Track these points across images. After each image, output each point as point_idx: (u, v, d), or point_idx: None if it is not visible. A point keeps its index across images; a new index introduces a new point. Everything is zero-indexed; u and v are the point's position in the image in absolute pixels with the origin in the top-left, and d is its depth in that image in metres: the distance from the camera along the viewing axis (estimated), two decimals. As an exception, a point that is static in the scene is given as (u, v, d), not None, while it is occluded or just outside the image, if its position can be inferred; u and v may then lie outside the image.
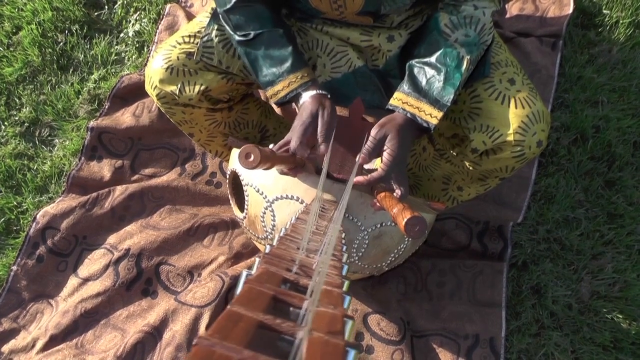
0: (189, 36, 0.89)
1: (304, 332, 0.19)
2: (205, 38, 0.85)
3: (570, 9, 1.30)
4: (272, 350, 0.20)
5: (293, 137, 0.71)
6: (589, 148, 1.23)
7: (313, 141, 0.73)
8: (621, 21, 1.32)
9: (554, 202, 1.19)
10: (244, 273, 0.29)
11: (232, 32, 0.80)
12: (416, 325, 1.06)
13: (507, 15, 1.34)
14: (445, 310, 1.07)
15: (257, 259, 0.32)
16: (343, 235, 0.76)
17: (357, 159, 0.72)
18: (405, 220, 0.56)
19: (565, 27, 1.29)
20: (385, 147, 0.70)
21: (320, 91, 0.75)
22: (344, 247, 0.49)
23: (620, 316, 1.11)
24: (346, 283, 0.32)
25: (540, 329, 1.10)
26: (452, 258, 1.15)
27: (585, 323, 1.10)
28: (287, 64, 0.77)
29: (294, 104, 0.80)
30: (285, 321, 0.21)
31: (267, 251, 0.34)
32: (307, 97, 0.75)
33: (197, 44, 0.86)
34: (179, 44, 0.88)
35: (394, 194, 0.73)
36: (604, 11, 1.33)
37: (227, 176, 0.95)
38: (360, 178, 0.71)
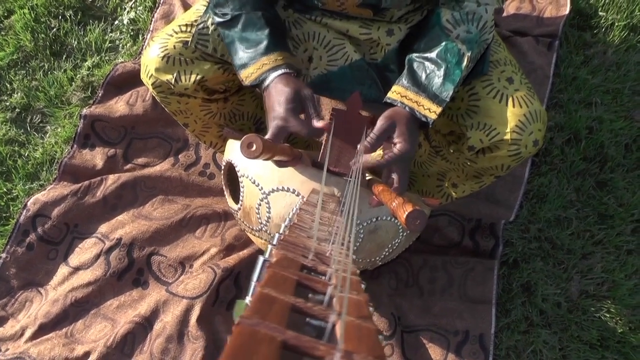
0: (186, 25, 0.88)
1: (342, 316, 0.19)
2: (201, 26, 0.85)
3: (566, 10, 1.31)
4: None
5: (294, 127, 0.70)
6: (582, 149, 1.24)
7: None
8: (616, 23, 1.33)
9: (546, 202, 1.20)
10: (261, 259, 0.29)
11: (213, 13, 0.80)
12: (407, 320, 1.07)
13: (504, 14, 1.34)
14: (436, 306, 1.08)
15: (270, 246, 0.32)
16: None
17: (358, 148, 0.72)
18: (407, 213, 0.56)
19: (561, 28, 1.30)
20: (394, 141, 0.70)
21: (287, 70, 0.74)
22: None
23: (608, 315, 1.12)
24: (358, 272, 0.33)
25: (530, 327, 1.11)
26: (444, 254, 1.16)
27: (573, 321, 1.12)
28: (262, 46, 0.76)
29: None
30: (316, 304, 0.21)
31: (279, 238, 0.34)
32: (274, 76, 0.74)
33: (193, 32, 0.86)
34: (176, 32, 0.88)
35: (392, 187, 0.73)
36: (600, 13, 1.34)
37: (222, 167, 0.94)
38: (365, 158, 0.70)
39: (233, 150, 0.88)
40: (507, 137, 0.79)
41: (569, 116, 1.26)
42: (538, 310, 1.12)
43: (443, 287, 1.11)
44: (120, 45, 1.40)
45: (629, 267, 1.15)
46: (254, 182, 0.84)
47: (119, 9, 1.44)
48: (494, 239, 1.16)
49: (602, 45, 1.32)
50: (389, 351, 1.03)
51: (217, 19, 0.79)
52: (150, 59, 0.87)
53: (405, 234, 0.89)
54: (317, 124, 0.71)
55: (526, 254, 1.16)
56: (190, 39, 0.86)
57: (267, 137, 0.73)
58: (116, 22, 1.43)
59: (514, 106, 0.79)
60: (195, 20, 0.88)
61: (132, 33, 1.40)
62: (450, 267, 1.13)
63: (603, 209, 1.20)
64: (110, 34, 1.41)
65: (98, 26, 1.41)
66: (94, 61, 1.35)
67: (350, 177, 0.77)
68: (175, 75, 0.86)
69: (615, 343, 1.10)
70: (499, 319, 1.10)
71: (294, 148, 0.78)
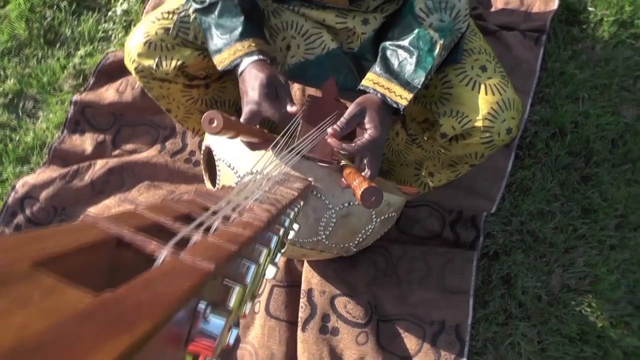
0: (168, 12, 0.90)
1: (196, 236, 0.19)
2: (183, 14, 0.87)
3: (555, 5, 1.31)
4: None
5: (267, 111, 0.72)
6: (567, 143, 1.24)
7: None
8: (605, 19, 1.32)
9: (529, 195, 1.20)
10: None
11: (192, 0, 0.82)
12: (383, 309, 1.08)
13: (492, 9, 1.35)
14: (413, 296, 1.09)
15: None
16: (301, 209, 0.77)
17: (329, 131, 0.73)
18: (362, 190, 0.57)
19: (549, 23, 1.29)
20: (365, 127, 0.71)
21: (261, 57, 0.76)
22: (296, 210, 0.49)
23: (588, 309, 1.12)
24: (284, 245, 0.33)
25: (508, 319, 1.11)
26: (423, 245, 1.16)
27: (553, 315, 1.11)
28: (236, 33, 0.78)
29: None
30: (185, 225, 0.21)
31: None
32: (248, 62, 0.76)
33: (175, 20, 0.88)
34: (158, 19, 0.90)
35: (363, 173, 0.74)
36: (589, 8, 1.34)
37: (202, 152, 0.96)
38: (333, 142, 0.71)
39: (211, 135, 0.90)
40: (479, 124, 0.79)
41: (554, 110, 1.26)
42: (517, 302, 1.12)
43: (421, 277, 1.12)
44: (113, 35, 1.43)
45: (611, 261, 1.15)
46: (229, 166, 0.85)
47: (112, 1, 1.46)
48: (475, 231, 1.16)
49: (590, 40, 1.32)
50: (363, 339, 1.04)
51: (195, 5, 0.81)
52: (133, 44, 0.89)
53: (378, 220, 0.90)
54: (291, 109, 0.72)
55: (507, 246, 1.16)
56: (171, 26, 0.88)
57: (240, 121, 0.75)
58: (109, 13, 1.45)
59: (486, 94, 0.80)
60: (177, 8, 0.90)
61: (124, 24, 1.42)
62: (430, 258, 1.13)
63: (587, 204, 1.20)
64: (104, 25, 1.43)
65: (92, 17, 1.44)
66: (86, 50, 1.38)
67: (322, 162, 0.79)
68: (156, 60, 0.88)
69: (595, 337, 1.10)
70: (477, 310, 1.10)
71: (266, 132, 0.79)
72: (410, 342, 1.04)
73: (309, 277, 1.09)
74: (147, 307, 0.12)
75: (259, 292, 1.16)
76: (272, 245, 0.32)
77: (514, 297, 1.12)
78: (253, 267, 0.24)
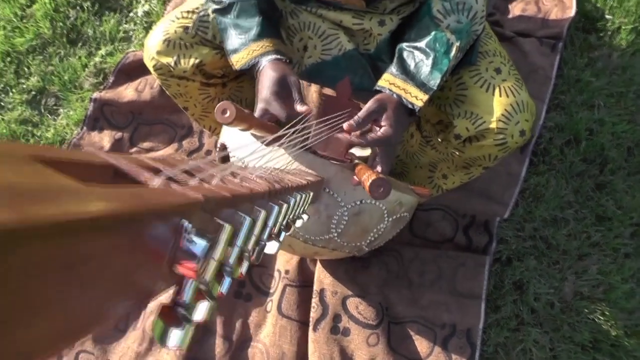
0: (188, 12, 0.92)
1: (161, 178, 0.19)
2: (202, 13, 0.89)
3: (572, 12, 1.31)
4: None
5: (275, 110, 0.73)
6: (582, 150, 1.23)
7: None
8: (623, 27, 1.32)
9: (542, 201, 1.20)
10: None
11: (210, 0, 0.83)
12: (394, 311, 1.08)
13: (509, 15, 1.35)
14: (424, 298, 1.08)
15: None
16: (310, 198, 0.78)
17: (344, 126, 0.73)
18: (370, 181, 0.58)
19: (566, 30, 1.29)
20: (381, 124, 0.72)
21: (278, 56, 0.77)
22: (304, 196, 0.49)
23: (602, 318, 1.11)
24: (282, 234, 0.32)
25: (520, 325, 1.10)
26: (436, 249, 1.16)
27: (566, 322, 1.10)
28: (253, 33, 0.80)
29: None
30: (183, 175, 0.21)
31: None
32: (265, 62, 0.77)
33: (194, 19, 0.90)
34: (178, 18, 0.92)
35: (375, 170, 0.74)
36: (607, 16, 1.34)
37: (217, 149, 0.98)
38: (348, 128, 0.71)
39: (226, 132, 0.92)
40: (493, 125, 0.80)
41: (570, 117, 1.26)
42: (529, 308, 1.11)
43: (433, 280, 1.11)
44: (134, 35, 1.46)
45: (625, 270, 1.14)
46: (243, 163, 0.86)
47: (134, 2, 1.50)
48: (487, 236, 1.15)
49: (607, 48, 1.32)
50: (374, 340, 1.04)
51: (214, 6, 0.83)
52: (152, 42, 0.91)
53: (390, 219, 0.90)
54: (301, 108, 0.73)
55: (520, 252, 1.16)
56: (190, 25, 0.90)
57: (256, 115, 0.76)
58: (131, 14, 1.49)
59: (500, 96, 0.80)
60: (197, 8, 0.92)
61: (145, 25, 1.45)
62: (441, 261, 1.13)
63: (601, 211, 1.19)
64: (125, 25, 1.47)
65: (113, 17, 1.47)
66: (107, 50, 1.41)
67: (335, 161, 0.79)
68: (175, 58, 0.90)
69: (608, 346, 1.08)
70: (489, 315, 1.09)
71: (278, 127, 0.80)
72: (421, 344, 1.04)
73: (321, 278, 1.09)
74: (131, 203, 0.13)
75: (272, 288, 1.15)
76: (273, 213, 0.32)
77: (526, 303, 1.11)
78: (248, 219, 0.24)
